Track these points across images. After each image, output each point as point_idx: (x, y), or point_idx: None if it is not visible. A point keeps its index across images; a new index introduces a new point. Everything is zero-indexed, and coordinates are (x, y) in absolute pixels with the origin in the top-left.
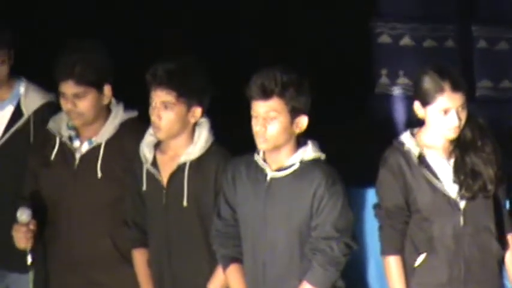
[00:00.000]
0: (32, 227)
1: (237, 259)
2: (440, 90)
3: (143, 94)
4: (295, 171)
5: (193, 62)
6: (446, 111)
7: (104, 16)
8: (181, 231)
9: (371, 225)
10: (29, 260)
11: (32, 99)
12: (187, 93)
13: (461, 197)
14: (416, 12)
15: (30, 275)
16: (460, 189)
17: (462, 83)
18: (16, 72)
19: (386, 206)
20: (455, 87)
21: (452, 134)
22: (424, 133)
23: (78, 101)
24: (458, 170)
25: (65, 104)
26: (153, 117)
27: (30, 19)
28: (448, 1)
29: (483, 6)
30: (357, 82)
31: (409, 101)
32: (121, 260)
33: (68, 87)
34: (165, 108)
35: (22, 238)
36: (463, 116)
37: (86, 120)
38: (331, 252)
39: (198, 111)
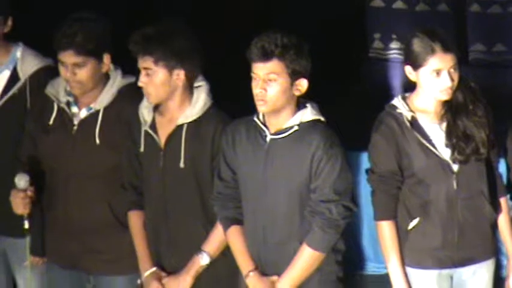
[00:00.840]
0: (29, 193)
1: (238, 221)
2: (432, 51)
3: None
4: (294, 133)
5: (173, 24)
6: (438, 73)
7: None
8: (177, 193)
9: (365, 190)
10: (26, 225)
11: (28, 63)
12: (164, 57)
13: (454, 161)
14: None
15: (27, 240)
16: (453, 153)
17: (453, 44)
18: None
19: (379, 170)
20: (446, 48)
21: (445, 95)
22: (415, 97)
23: (77, 70)
24: (450, 133)
25: (65, 73)
26: (140, 84)
27: None
28: None
29: None
30: (352, 46)
31: (402, 65)
32: (118, 226)
33: (68, 57)
34: (147, 74)
35: (20, 204)
36: (456, 77)
37: (85, 89)
38: (330, 215)
39: (181, 73)
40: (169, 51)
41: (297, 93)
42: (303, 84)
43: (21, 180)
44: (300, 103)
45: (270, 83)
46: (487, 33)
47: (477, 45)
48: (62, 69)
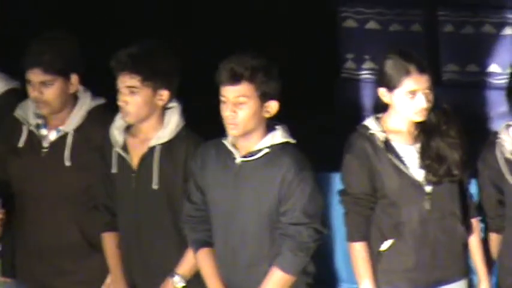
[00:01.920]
0: (1, 214)
1: (208, 243)
2: (406, 72)
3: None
4: (264, 156)
5: (157, 45)
6: (413, 94)
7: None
8: (150, 214)
9: (337, 211)
10: None
11: None
12: (151, 77)
13: (428, 182)
14: None
15: None
16: (427, 174)
17: (427, 66)
18: None
19: (353, 192)
20: (421, 69)
21: (420, 116)
22: (389, 118)
23: (45, 89)
24: (423, 154)
25: (32, 92)
26: (119, 103)
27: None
28: None
29: None
30: (323, 67)
31: (375, 86)
32: (88, 248)
33: (36, 75)
34: (131, 93)
35: None
36: (431, 98)
37: (52, 109)
38: (301, 238)
39: (165, 94)
40: (157, 71)
41: (267, 115)
42: (272, 106)
43: None
44: (269, 125)
45: (240, 105)
46: (460, 54)
47: (450, 66)
48: (29, 89)
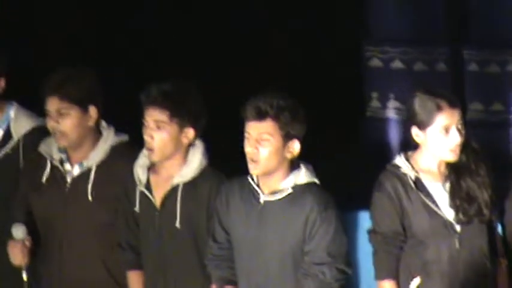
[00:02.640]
0: (27, 243)
1: (232, 281)
2: (438, 108)
3: (136, 120)
4: (288, 195)
5: (187, 85)
6: (447, 129)
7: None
8: (174, 252)
9: (363, 249)
10: (25, 277)
11: (21, 123)
12: (180, 113)
13: (458, 222)
14: (407, 36)
15: None
16: (457, 214)
17: (457, 100)
18: (10, 98)
19: (383, 230)
20: (452, 103)
21: (454, 155)
22: (419, 157)
23: (61, 118)
24: (454, 194)
25: (49, 121)
26: (146, 137)
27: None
28: (439, 24)
29: (474, 28)
30: (348, 106)
31: (400, 124)
32: (114, 286)
33: (52, 103)
34: (157, 128)
35: (18, 254)
36: (463, 132)
37: (70, 141)
38: (323, 278)
39: (191, 132)
40: (185, 109)
41: (289, 156)
42: (295, 147)
43: (19, 231)
44: (294, 164)
45: (263, 142)
46: (484, 92)
47: (475, 104)
48: (47, 120)
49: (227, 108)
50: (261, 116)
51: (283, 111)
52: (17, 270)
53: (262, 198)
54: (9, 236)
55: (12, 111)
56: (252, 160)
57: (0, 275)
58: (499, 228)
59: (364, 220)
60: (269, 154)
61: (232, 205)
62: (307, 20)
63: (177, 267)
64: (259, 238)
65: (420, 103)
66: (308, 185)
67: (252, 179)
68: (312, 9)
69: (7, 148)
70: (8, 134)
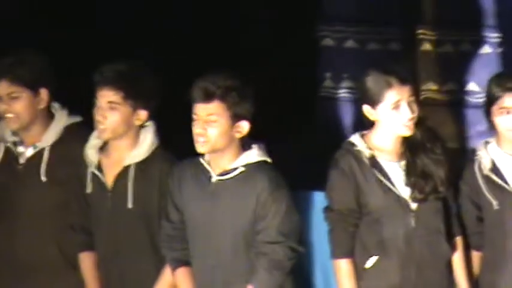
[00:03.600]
0: None
1: (186, 262)
2: (388, 85)
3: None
4: (239, 174)
5: (141, 65)
6: (397, 106)
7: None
8: (127, 233)
9: (317, 229)
10: None
11: None
12: (133, 95)
13: (413, 199)
14: (360, 15)
15: None
16: (412, 191)
17: (409, 76)
18: None
19: (338, 208)
20: (402, 80)
21: (407, 130)
22: (374, 135)
23: (12, 102)
24: (409, 172)
25: (0, 106)
26: (98, 117)
27: None
28: (392, 4)
29: (427, 8)
30: (301, 85)
31: (353, 104)
32: (67, 266)
33: (3, 87)
34: (110, 108)
35: None
36: (415, 108)
37: (21, 124)
38: (276, 256)
39: (143, 114)
40: (139, 91)
41: (238, 136)
42: (243, 127)
43: None
44: (245, 144)
45: (211, 123)
46: (438, 72)
47: (429, 84)
48: None
49: (177, 89)
50: (208, 97)
51: (230, 92)
52: None
53: (214, 178)
54: None
55: None
56: (200, 141)
57: None
58: (455, 208)
59: (319, 200)
60: (217, 134)
61: (185, 186)
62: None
63: (130, 248)
64: (212, 218)
65: (370, 81)
66: (259, 164)
67: (204, 159)
68: None
69: None
70: None
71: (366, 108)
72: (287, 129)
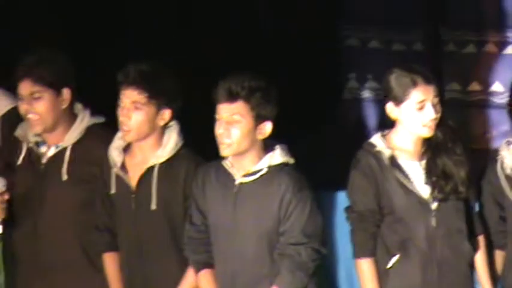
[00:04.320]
0: (6, 197)
1: (209, 264)
2: (413, 83)
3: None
4: (262, 176)
5: (164, 65)
6: (422, 105)
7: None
8: (150, 234)
9: (341, 229)
10: (0, 229)
11: (0, 103)
12: (158, 95)
13: (434, 199)
14: (385, 16)
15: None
16: (432, 191)
17: (432, 76)
18: None
19: (359, 209)
20: (428, 80)
21: (428, 130)
22: (395, 135)
23: (34, 102)
24: (430, 171)
25: (22, 106)
26: (122, 118)
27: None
28: (417, 4)
29: (452, 9)
30: (326, 86)
31: (378, 105)
32: (89, 266)
33: (25, 87)
34: (135, 108)
35: None
36: (439, 109)
37: (45, 126)
38: (299, 258)
39: (167, 113)
40: (163, 90)
41: (261, 137)
42: (266, 128)
43: None
44: (268, 145)
45: (234, 124)
46: (462, 73)
47: (452, 85)
48: (20, 104)
49: (202, 90)
50: (232, 97)
51: (254, 92)
52: None
53: (238, 180)
54: None
55: None
56: (223, 142)
57: None
58: (476, 207)
59: (342, 200)
60: (240, 135)
61: (209, 188)
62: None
63: (153, 249)
64: (235, 220)
65: (396, 79)
66: (282, 166)
67: (227, 162)
68: None
69: None
70: None
71: (390, 106)
72: (309, 129)
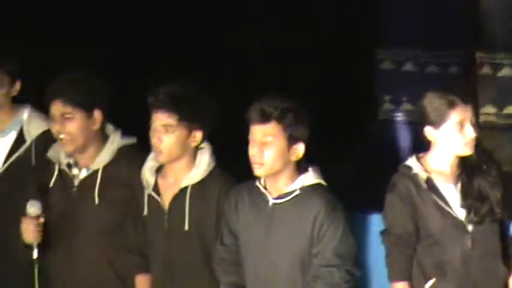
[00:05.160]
0: (41, 219)
1: (240, 285)
2: (451, 105)
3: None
4: (295, 197)
5: (194, 87)
6: (462, 125)
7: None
8: (182, 255)
9: (374, 251)
10: (35, 254)
11: (34, 125)
12: (188, 117)
13: (470, 221)
14: (419, 39)
15: (35, 270)
16: (468, 213)
17: (469, 96)
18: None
19: (396, 231)
20: (465, 99)
21: (469, 149)
22: (431, 157)
23: (66, 122)
24: (465, 194)
25: (54, 126)
26: (154, 140)
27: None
28: (451, 27)
29: (486, 32)
30: (361, 108)
31: (412, 127)
32: (122, 287)
33: (56, 108)
34: (166, 131)
35: (31, 231)
36: (476, 128)
37: (76, 146)
38: (332, 279)
39: (198, 135)
40: (193, 112)
41: (294, 158)
42: (299, 150)
43: (33, 207)
44: (301, 166)
45: (267, 145)
46: (497, 96)
47: (488, 107)
48: (52, 125)
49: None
50: (265, 118)
51: (287, 114)
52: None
53: (271, 201)
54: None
55: (25, 114)
56: (256, 162)
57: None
58: (511, 230)
59: (376, 222)
60: (274, 156)
61: (241, 209)
62: (319, 23)
63: (185, 270)
64: (268, 241)
65: (432, 103)
66: (315, 187)
67: (260, 183)
68: (326, 12)
69: (20, 151)
70: (21, 136)
71: (428, 130)
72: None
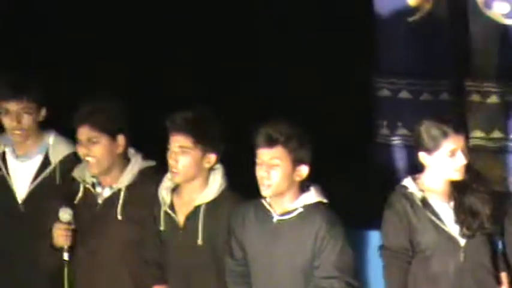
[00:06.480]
0: (73, 226)
1: None
2: (444, 135)
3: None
4: (298, 214)
5: (208, 111)
6: (453, 153)
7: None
8: (196, 267)
9: (373, 266)
10: (66, 256)
11: (59, 149)
12: (203, 140)
13: (463, 236)
14: (413, 69)
15: (65, 272)
16: (461, 229)
17: (462, 126)
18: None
19: (392, 246)
20: (458, 130)
21: (459, 174)
22: (425, 178)
23: (92, 146)
24: (458, 210)
25: (80, 149)
26: (171, 161)
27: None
28: (443, 58)
29: (475, 63)
30: (359, 132)
31: (407, 150)
32: None
33: (83, 132)
34: (182, 152)
35: (62, 236)
36: (467, 154)
37: (101, 168)
38: None
39: (212, 157)
40: (208, 135)
41: (298, 179)
42: (303, 171)
43: (65, 214)
44: (304, 185)
45: (274, 167)
46: (485, 121)
47: (476, 132)
48: (79, 148)
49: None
50: (271, 142)
51: (291, 138)
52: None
53: (275, 218)
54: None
55: (51, 139)
56: (264, 184)
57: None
58: (500, 245)
59: (375, 238)
60: (280, 178)
61: (248, 224)
62: (322, 53)
63: (199, 281)
64: (272, 255)
65: (427, 131)
66: (317, 205)
67: (266, 201)
68: (328, 45)
69: (46, 173)
70: (46, 160)
71: (422, 155)
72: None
